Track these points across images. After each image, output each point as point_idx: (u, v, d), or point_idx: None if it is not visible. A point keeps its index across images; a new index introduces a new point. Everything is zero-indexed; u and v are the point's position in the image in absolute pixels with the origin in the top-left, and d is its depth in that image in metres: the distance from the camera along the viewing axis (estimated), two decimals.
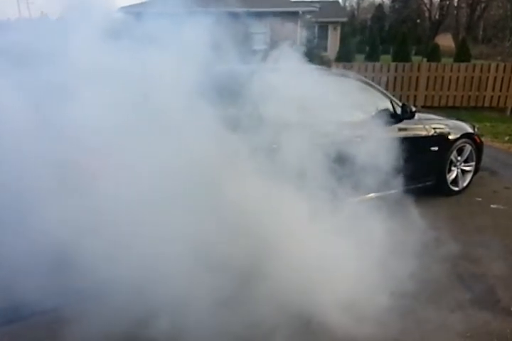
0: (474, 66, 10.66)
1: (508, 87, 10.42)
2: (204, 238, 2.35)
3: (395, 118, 4.25)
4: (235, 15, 2.89)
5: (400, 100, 5.30)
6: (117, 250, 2.23)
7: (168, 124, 2.38)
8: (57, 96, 2.29)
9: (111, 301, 2.25)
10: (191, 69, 2.49)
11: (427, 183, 4.54)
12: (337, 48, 21.65)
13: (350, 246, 2.70)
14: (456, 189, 4.81)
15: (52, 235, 2.20)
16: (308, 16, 19.46)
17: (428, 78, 10.55)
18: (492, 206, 4.51)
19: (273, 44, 2.96)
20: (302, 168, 2.73)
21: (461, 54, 15.62)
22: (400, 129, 4.23)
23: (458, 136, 4.69)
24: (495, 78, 10.42)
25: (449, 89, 10.58)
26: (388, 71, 10.61)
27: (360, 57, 21.13)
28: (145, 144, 2.32)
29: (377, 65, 11.00)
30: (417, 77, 10.57)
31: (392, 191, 4.07)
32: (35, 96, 2.31)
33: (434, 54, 18.46)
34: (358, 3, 56.58)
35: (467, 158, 4.88)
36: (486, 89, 10.51)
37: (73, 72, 2.30)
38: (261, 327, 2.35)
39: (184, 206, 2.34)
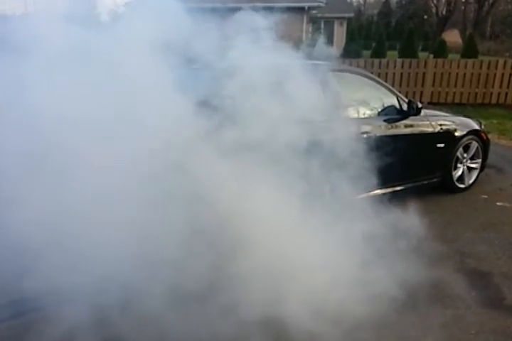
0: (481, 62, 10.58)
1: None
2: (167, 234, 2.28)
3: (401, 114, 4.23)
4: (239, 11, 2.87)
5: (407, 96, 5.28)
6: (81, 247, 2.19)
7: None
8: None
9: (75, 301, 2.24)
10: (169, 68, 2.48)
11: (433, 180, 4.52)
12: (343, 44, 21.55)
13: (343, 244, 2.67)
14: (461, 186, 4.79)
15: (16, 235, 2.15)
16: (314, 12, 19.34)
17: (435, 74, 10.49)
18: (498, 204, 4.48)
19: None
20: (301, 166, 2.70)
21: (469, 50, 15.54)
22: (406, 126, 4.21)
23: (464, 132, 4.67)
24: (502, 75, 10.33)
25: (455, 86, 10.52)
26: (395, 67, 10.55)
27: (367, 53, 21.02)
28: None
29: (384, 61, 10.94)
30: (424, 73, 10.50)
31: (398, 188, 4.08)
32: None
33: (440, 50, 18.35)
34: None
35: (473, 155, 4.86)
36: (493, 86, 10.43)
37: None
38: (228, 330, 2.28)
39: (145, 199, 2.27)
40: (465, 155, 4.78)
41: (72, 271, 2.15)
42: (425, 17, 39.90)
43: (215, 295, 2.41)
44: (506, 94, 10.44)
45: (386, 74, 10.39)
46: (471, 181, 4.88)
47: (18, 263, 2.20)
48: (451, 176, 4.66)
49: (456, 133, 4.61)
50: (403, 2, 43.20)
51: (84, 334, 2.21)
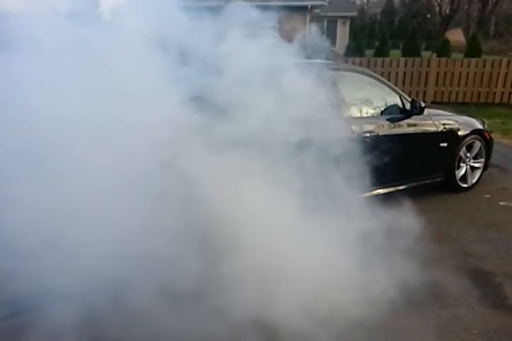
0: (485, 61, 10.54)
1: None
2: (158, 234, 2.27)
3: (404, 113, 4.22)
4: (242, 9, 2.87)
5: (410, 96, 5.27)
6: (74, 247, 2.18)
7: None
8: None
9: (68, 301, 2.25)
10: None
11: (436, 179, 4.51)
12: (346, 43, 21.50)
13: (344, 244, 2.67)
14: (464, 185, 4.77)
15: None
16: (317, 11, 19.30)
17: (438, 74, 10.46)
18: (501, 203, 4.47)
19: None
20: (302, 165, 2.70)
21: (472, 49, 15.46)
22: (409, 125, 4.20)
23: (467, 132, 4.65)
24: (506, 74, 10.29)
25: (459, 85, 10.48)
26: (398, 66, 10.53)
27: (370, 52, 20.96)
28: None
29: (387, 60, 10.91)
30: (427, 73, 10.47)
31: (401, 187, 4.07)
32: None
33: (444, 49, 18.27)
34: None
35: (476, 154, 4.84)
36: (496, 85, 10.39)
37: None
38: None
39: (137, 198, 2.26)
40: (468, 154, 4.76)
41: (64, 270, 2.14)
42: (428, 16, 39.79)
43: (208, 295, 2.40)
44: (510, 93, 10.41)
45: (389, 73, 10.36)
46: (474, 180, 4.86)
47: (11, 264, 2.19)
48: (454, 175, 4.65)
49: (460, 133, 4.60)
50: (406, 1, 43.13)
51: (76, 334, 2.21)
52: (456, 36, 29.43)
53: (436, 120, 4.44)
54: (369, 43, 26.38)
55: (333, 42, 22.20)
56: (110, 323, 2.25)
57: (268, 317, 2.32)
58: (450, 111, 5.02)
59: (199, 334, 2.27)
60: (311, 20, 17.50)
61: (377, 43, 21.67)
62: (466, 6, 36.11)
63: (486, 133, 4.89)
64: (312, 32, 3.30)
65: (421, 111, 4.26)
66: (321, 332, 2.30)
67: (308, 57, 3.27)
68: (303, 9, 16.72)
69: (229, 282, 2.38)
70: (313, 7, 17.78)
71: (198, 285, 2.35)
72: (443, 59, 11.01)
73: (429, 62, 10.59)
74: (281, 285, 2.43)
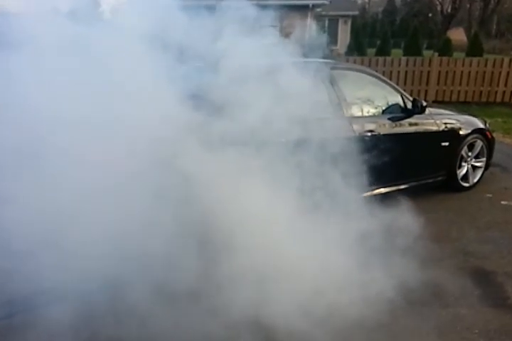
0: (486, 61, 10.52)
1: None
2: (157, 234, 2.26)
3: (406, 113, 4.21)
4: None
5: (411, 95, 5.26)
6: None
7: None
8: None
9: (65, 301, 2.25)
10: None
11: (438, 179, 4.50)
12: (347, 42, 21.48)
13: (346, 243, 2.66)
14: (466, 185, 4.76)
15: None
16: (318, 10, 19.28)
17: (439, 73, 10.44)
18: (502, 202, 4.46)
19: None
20: (302, 164, 2.69)
21: (474, 48, 15.44)
22: (411, 124, 4.19)
23: (469, 131, 4.64)
24: (507, 73, 10.27)
25: (460, 84, 10.46)
26: (399, 65, 10.51)
27: (371, 51, 20.94)
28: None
29: (388, 59, 10.89)
30: (429, 72, 10.45)
31: (402, 186, 4.06)
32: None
33: (445, 48, 18.23)
34: None
35: (478, 153, 4.83)
36: (498, 85, 10.36)
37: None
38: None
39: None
40: (469, 153, 4.75)
41: (63, 270, 2.14)
42: (430, 15, 39.75)
43: (206, 295, 2.39)
44: (511, 92, 10.38)
45: (391, 72, 10.34)
46: (475, 180, 4.85)
47: (11, 264, 2.18)
48: (456, 175, 4.63)
49: (461, 132, 4.58)
50: (408, 0, 43.03)
51: (75, 334, 2.21)
52: (457, 35, 29.39)
53: (437, 119, 4.43)
54: (370, 42, 26.35)
55: (335, 42, 22.19)
56: (109, 323, 2.25)
57: (266, 317, 2.31)
58: (451, 111, 5.01)
59: (197, 334, 2.27)
60: (313, 19, 17.48)
61: (378, 42, 21.66)
62: (468, 5, 36.05)
63: (487, 133, 4.87)
64: (313, 31, 3.29)
65: (422, 110, 4.25)
66: (320, 332, 2.29)
67: (309, 56, 3.26)
68: (304, 8, 16.68)
69: (227, 282, 2.37)
70: (314, 6, 17.75)
71: (196, 285, 2.34)
72: (444, 58, 10.98)
73: (430, 61, 10.57)
74: (279, 284, 2.42)
